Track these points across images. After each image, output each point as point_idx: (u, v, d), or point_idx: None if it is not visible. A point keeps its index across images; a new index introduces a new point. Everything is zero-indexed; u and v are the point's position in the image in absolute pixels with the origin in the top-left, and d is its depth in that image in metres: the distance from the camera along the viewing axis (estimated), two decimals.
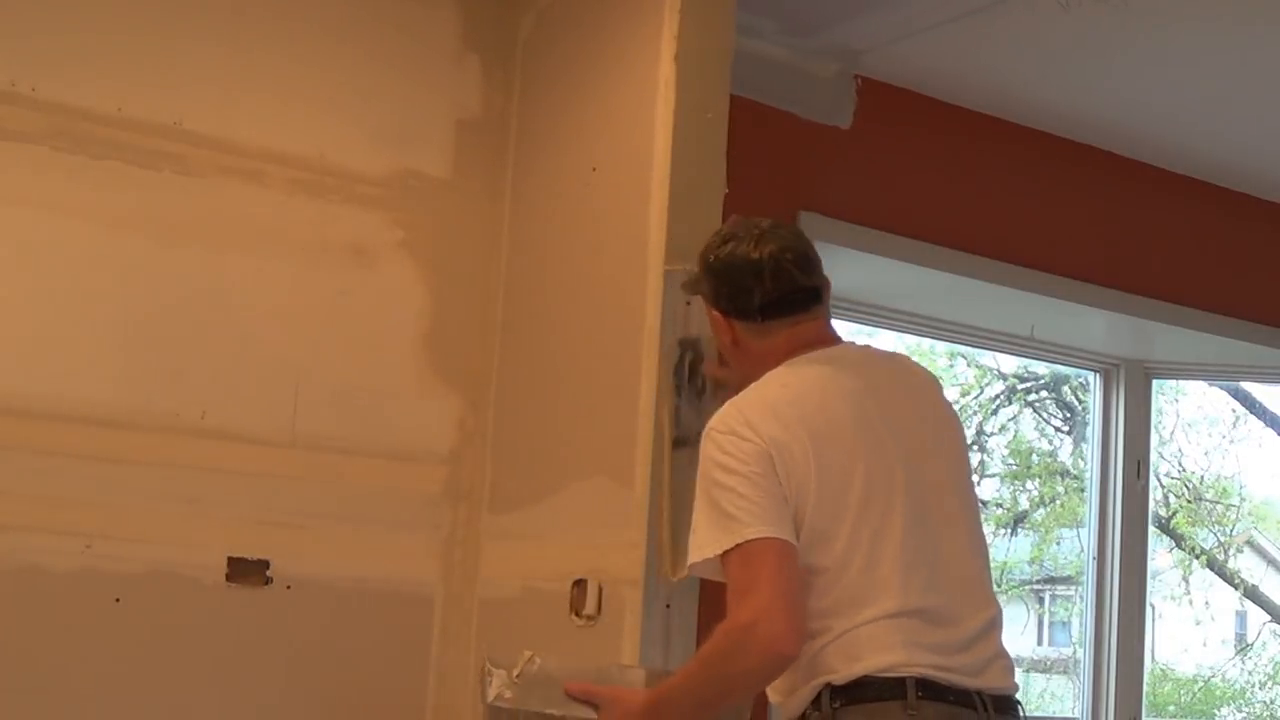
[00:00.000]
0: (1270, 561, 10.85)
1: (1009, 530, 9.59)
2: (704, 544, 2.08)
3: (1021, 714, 2.15)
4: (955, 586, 2.14)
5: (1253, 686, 10.18)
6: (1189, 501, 9.46)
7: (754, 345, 2.29)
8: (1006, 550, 9.63)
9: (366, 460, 3.22)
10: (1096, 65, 3.82)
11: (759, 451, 2.08)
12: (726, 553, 2.03)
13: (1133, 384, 4.85)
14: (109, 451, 2.96)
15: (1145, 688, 4.91)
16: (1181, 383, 8.43)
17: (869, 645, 2.04)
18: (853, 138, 3.90)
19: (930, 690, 2.02)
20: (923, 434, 2.24)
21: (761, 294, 2.27)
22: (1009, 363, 9.07)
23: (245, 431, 3.10)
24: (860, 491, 2.11)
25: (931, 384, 2.38)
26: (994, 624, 2.17)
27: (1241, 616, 10.43)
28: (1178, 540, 9.35)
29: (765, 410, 2.14)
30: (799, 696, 2.09)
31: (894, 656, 2.04)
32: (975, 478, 2.60)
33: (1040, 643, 10.86)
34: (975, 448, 9.44)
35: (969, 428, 9.34)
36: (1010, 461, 9.59)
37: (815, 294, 2.31)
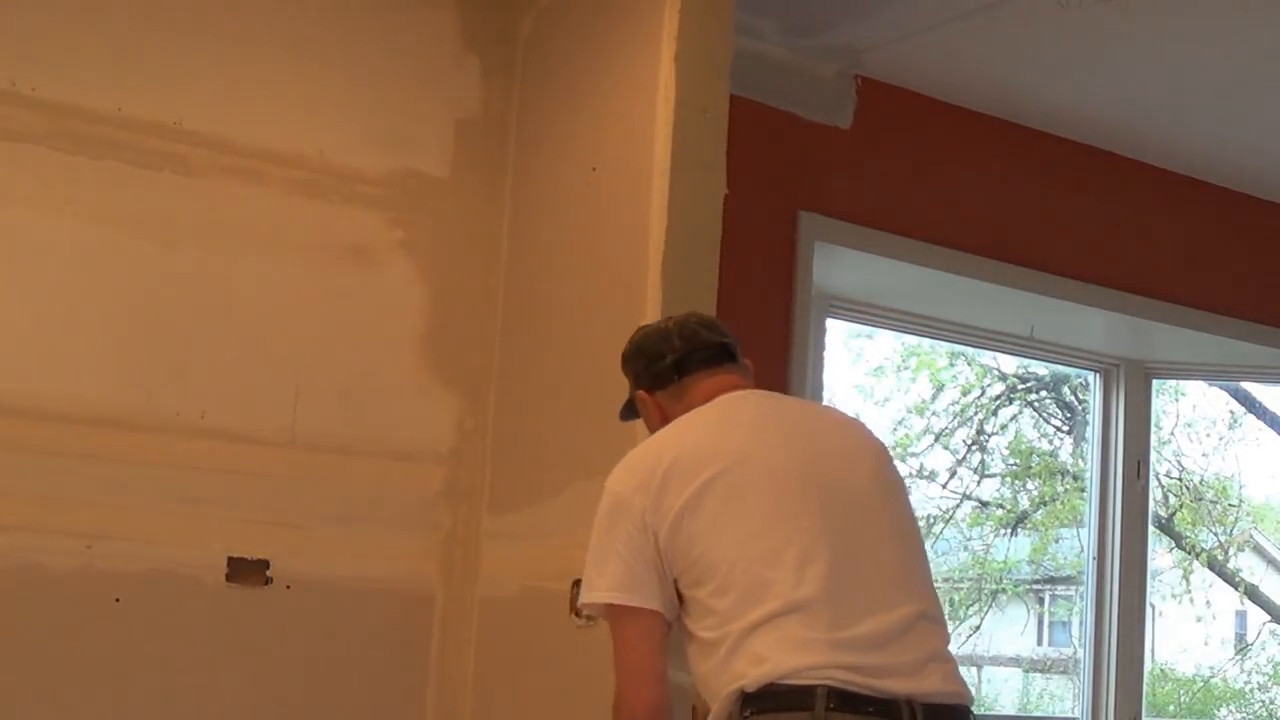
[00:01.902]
0: (1270, 561, 10.84)
1: (1009, 530, 9.59)
2: (585, 588, 2.15)
3: None
4: (868, 581, 2.04)
5: (1252, 687, 10.18)
6: (1189, 501, 9.46)
7: (676, 410, 2.29)
8: (1006, 550, 9.63)
9: (366, 460, 3.22)
10: (1096, 65, 3.82)
11: (642, 510, 2.10)
12: (606, 604, 2.10)
13: (1133, 384, 4.86)
14: (109, 451, 2.96)
15: (1145, 688, 4.91)
16: (1181, 383, 8.43)
17: (773, 646, 1.97)
18: (853, 138, 3.90)
19: (844, 700, 1.91)
20: (831, 448, 2.20)
21: (673, 353, 2.32)
22: (1009, 363, 9.08)
23: (245, 431, 3.10)
24: (757, 499, 2.09)
25: (849, 421, 2.37)
26: (923, 620, 2.05)
27: (1241, 616, 10.43)
28: (1178, 540, 9.35)
29: (651, 460, 2.15)
30: (722, 707, 2.03)
31: (799, 659, 1.95)
32: (915, 495, 2.55)
33: (1040, 643, 10.86)
34: (976, 448, 9.44)
35: (969, 428, 9.35)
36: (1010, 461, 9.59)
37: (725, 349, 2.34)
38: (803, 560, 2.01)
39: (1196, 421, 9.45)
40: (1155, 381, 4.96)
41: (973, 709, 2.07)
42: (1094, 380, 4.95)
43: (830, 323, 4.21)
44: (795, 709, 1.92)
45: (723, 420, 2.22)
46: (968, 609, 9.94)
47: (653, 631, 2.08)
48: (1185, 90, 3.95)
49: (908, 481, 9.93)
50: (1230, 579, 9.54)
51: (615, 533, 2.11)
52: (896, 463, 2.34)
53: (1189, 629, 9.45)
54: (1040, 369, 8.96)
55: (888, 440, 9.59)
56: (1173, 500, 9.35)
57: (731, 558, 2.04)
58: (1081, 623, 5.05)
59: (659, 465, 2.12)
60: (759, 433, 2.18)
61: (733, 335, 2.39)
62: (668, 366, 2.32)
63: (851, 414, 2.45)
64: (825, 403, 4.04)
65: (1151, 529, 5.00)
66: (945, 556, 10.01)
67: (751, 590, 2.01)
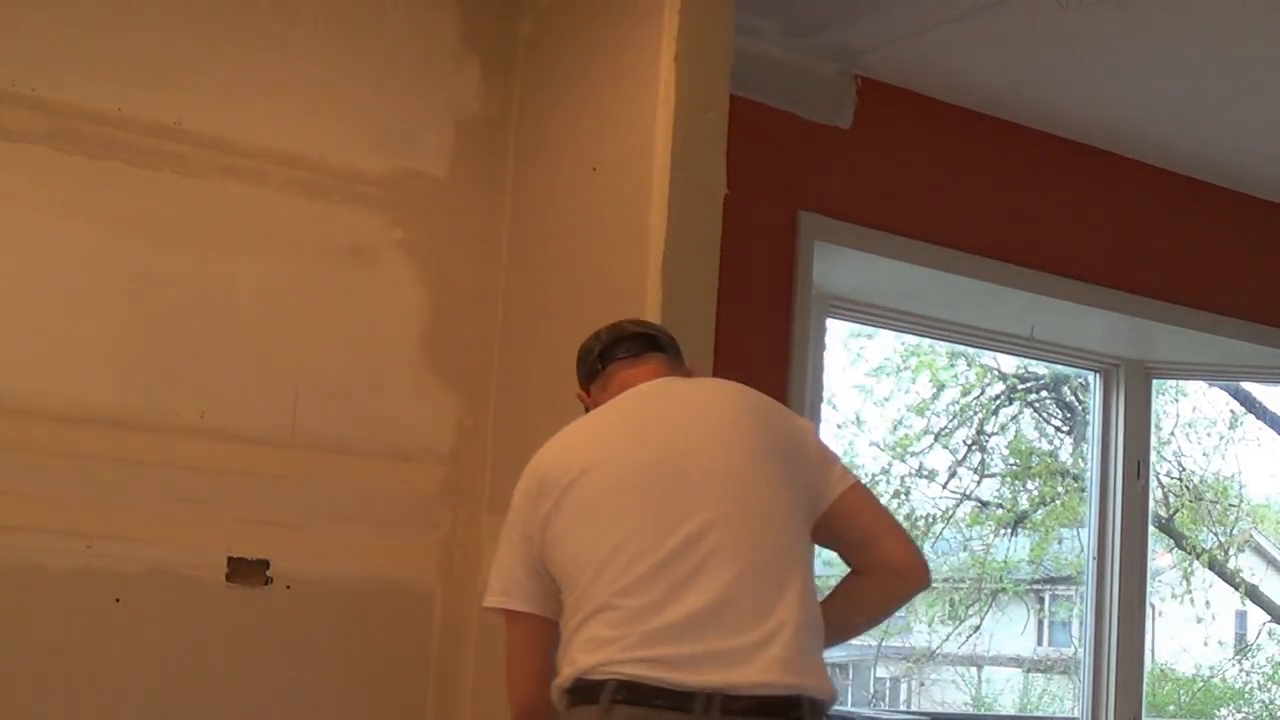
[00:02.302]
0: (1270, 561, 10.85)
1: (1009, 530, 9.60)
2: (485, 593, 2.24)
3: (793, 716, 1.93)
4: (700, 569, 1.99)
5: (1252, 687, 10.19)
6: (1189, 502, 9.46)
7: (602, 401, 2.32)
8: (1006, 550, 9.63)
9: (366, 460, 3.22)
10: (1096, 65, 3.82)
11: (524, 518, 2.17)
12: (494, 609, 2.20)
13: (1133, 384, 4.86)
14: (109, 451, 2.96)
15: (1145, 688, 4.91)
16: (1181, 383, 8.43)
17: (581, 646, 2.01)
18: (853, 138, 3.90)
19: (633, 693, 1.91)
20: (701, 431, 2.15)
21: (599, 346, 2.37)
22: (1009, 363, 9.08)
23: (245, 431, 3.10)
24: (614, 503, 2.10)
25: (736, 399, 2.25)
26: (765, 602, 1.98)
27: (1241, 616, 10.43)
28: (1178, 540, 9.35)
29: (533, 466, 2.21)
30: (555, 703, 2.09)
31: (598, 656, 1.97)
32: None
33: (1040, 643, 10.86)
34: (976, 448, 9.44)
35: (969, 428, 9.35)
36: (1010, 461, 9.59)
37: (650, 340, 2.36)
38: (633, 557, 2.01)
39: (1196, 421, 9.46)
40: (1155, 381, 4.96)
41: (820, 699, 1.97)
42: (1094, 380, 4.96)
43: (830, 323, 4.21)
44: (588, 703, 1.95)
45: (606, 417, 2.26)
46: (968, 609, 9.94)
47: (534, 634, 2.15)
48: (1185, 90, 3.95)
49: (907, 481, 9.90)
50: (1230, 579, 9.54)
51: (508, 539, 2.20)
52: (825, 438, 2.32)
53: (1189, 629, 9.46)
54: (1040, 369, 8.97)
55: (888, 440, 9.61)
56: (1173, 500, 9.35)
57: (580, 561, 2.06)
58: (1081, 623, 5.05)
59: (537, 472, 2.19)
60: (632, 428, 2.20)
61: (668, 334, 2.42)
62: (594, 358, 2.37)
63: (754, 393, 2.29)
64: (819, 392, 4.02)
65: (1151, 529, 5.00)
66: (945, 556, 10.02)
67: (584, 591, 2.04)
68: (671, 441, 2.13)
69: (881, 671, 11.42)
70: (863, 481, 2.28)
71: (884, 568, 2.20)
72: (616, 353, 2.35)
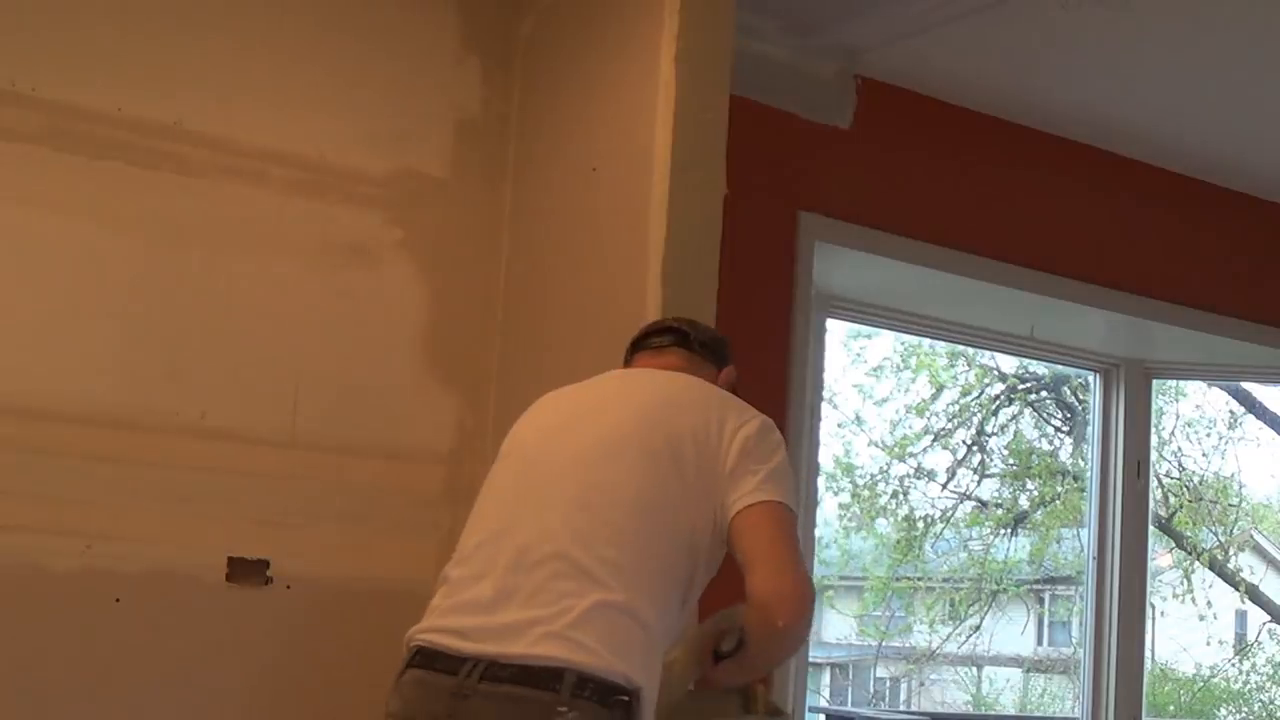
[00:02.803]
0: (1270, 561, 10.86)
1: (1009, 530, 9.60)
2: None
3: (553, 687, 1.91)
4: (518, 549, 2.04)
5: (1252, 687, 10.20)
6: (1189, 501, 9.47)
7: None
8: (1006, 550, 9.64)
9: (366, 460, 3.22)
10: (1096, 65, 3.82)
11: None
12: None
13: (1133, 384, 4.86)
14: (109, 451, 2.96)
15: (1145, 688, 4.91)
16: (1181, 383, 8.43)
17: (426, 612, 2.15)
18: (853, 138, 3.90)
19: (425, 657, 2.03)
20: (610, 420, 2.19)
21: (636, 335, 2.47)
22: (1009, 363, 9.09)
23: (245, 431, 3.10)
24: (497, 477, 2.25)
25: (688, 398, 2.24)
26: (561, 585, 1.99)
27: (1242, 616, 10.44)
28: (1178, 540, 9.36)
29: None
30: None
31: (421, 623, 2.11)
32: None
33: (1040, 643, 10.87)
34: (975, 448, 9.45)
35: (969, 428, 9.35)
36: (1010, 462, 9.60)
37: (678, 336, 2.39)
38: (473, 532, 2.16)
39: (1196, 421, 9.47)
40: (1155, 381, 4.96)
41: (593, 675, 1.92)
42: (1094, 380, 4.96)
43: (830, 323, 4.21)
44: (401, 667, 2.10)
45: (565, 392, 2.37)
46: (968, 609, 9.95)
47: None
48: (1185, 90, 3.95)
49: (907, 479, 9.85)
50: (1230, 579, 9.55)
51: None
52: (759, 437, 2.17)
53: (1189, 629, 9.47)
54: (1040, 369, 8.98)
55: (887, 440, 9.58)
56: (1173, 500, 9.36)
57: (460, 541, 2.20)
58: (1081, 623, 5.06)
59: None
60: (562, 407, 2.32)
61: (712, 336, 2.44)
62: (629, 346, 2.46)
63: (699, 386, 2.28)
64: (826, 386, 4.01)
65: (1151, 529, 5.01)
66: (945, 557, 10.03)
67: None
68: (567, 424, 2.24)
69: (881, 671, 11.43)
70: (784, 505, 2.12)
71: (749, 599, 2.06)
72: (645, 343, 2.42)
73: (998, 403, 9.39)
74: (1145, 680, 4.91)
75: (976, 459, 9.51)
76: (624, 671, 1.94)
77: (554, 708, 1.89)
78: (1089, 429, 5.05)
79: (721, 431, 2.16)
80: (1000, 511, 9.62)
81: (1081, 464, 8.45)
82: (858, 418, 9.40)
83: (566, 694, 1.90)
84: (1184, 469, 9.50)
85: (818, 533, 4.52)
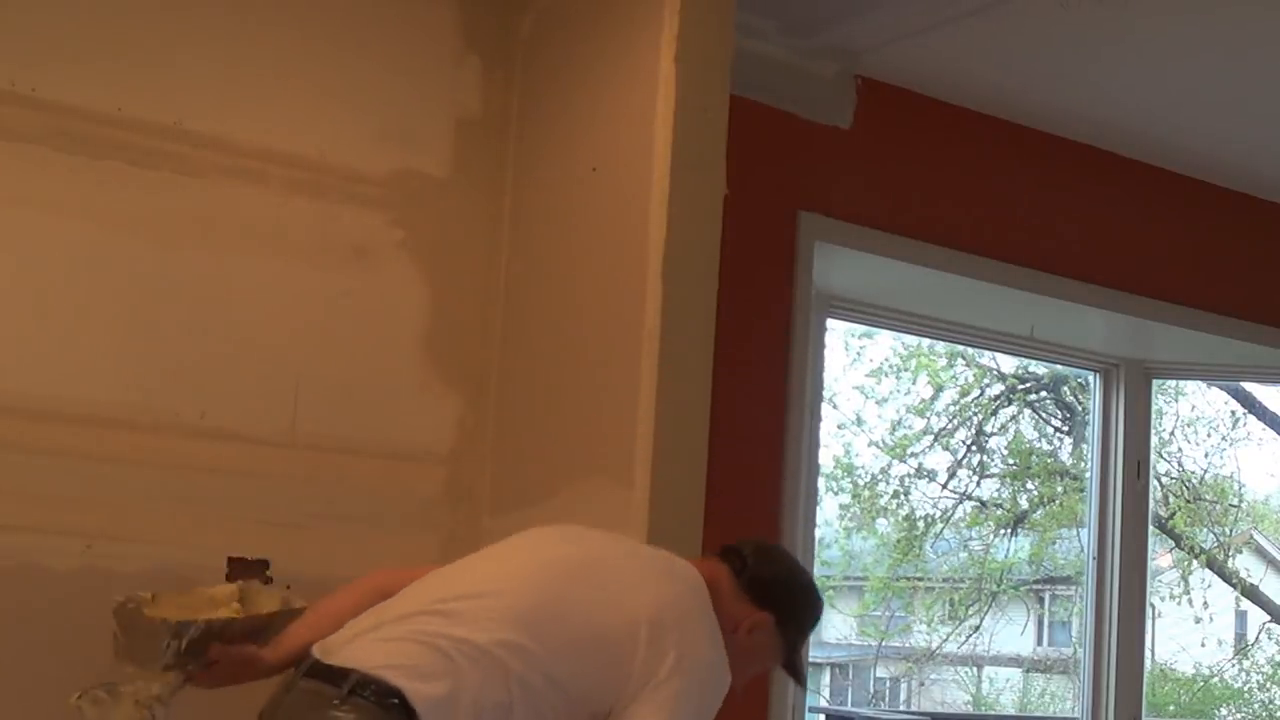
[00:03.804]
0: (1270, 561, 10.86)
1: (1009, 530, 9.61)
2: None
3: (347, 689, 2.14)
4: (407, 606, 2.31)
5: (1252, 687, 10.20)
6: (1189, 501, 9.47)
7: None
8: (1006, 550, 9.64)
9: (366, 460, 3.22)
10: (1096, 65, 3.82)
11: None
12: None
13: (1132, 384, 4.86)
14: (109, 451, 2.96)
15: (1145, 688, 4.91)
16: (1181, 383, 8.43)
17: None
18: (853, 138, 3.90)
19: (301, 664, 2.28)
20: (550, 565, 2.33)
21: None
22: (1008, 363, 9.09)
23: (245, 431, 3.10)
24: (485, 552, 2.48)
25: (643, 560, 2.40)
26: (407, 632, 2.22)
27: (1241, 616, 10.44)
28: (1177, 540, 9.36)
29: None
30: None
31: None
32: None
33: (1040, 643, 10.87)
34: (975, 448, 9.45)
35: (969, 428, 9.36)
36: (1010, 462, 9.60)
37: (734, 552, 2.45)
38: (425, 589, 2.39)
39: (1196, 422, 9.47)
40: (1155, 381, 4.96)
41: (375, 678, 2.13)
42: (1094, 380, 4.96)
43: (830, 323, 4.21)
44: None
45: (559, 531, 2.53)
46: (968, 609, 9.96)
47: None
48: (1185, 90, 3.95)
49: (907, 479, 9.83)
50: (1230, 579, 9.55)
51: None
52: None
53: (1189, 629, 9.46)
54: (1040, 369, 8.98)
55: (888, 440, 9.57)
56: (1173, 500, 9.36)
57: None
58: (1081, 623, 5.06)
59: None
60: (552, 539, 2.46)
61: (778, 578, 2.47)
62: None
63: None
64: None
65: (1151, 529, 5.01)
66: (945, 557, 10.03)
67: None
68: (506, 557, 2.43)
69: (881, 671, 11.44)
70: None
71: None
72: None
73: (997, 403, 9.40)
74: (1145, 680, 4.90)
75: (976, 459, 9.52)
76: (411, 686, 2.12)
77: (332, 700, 2.14)
78: (1088, 429, 5.05)
79: (659, 641, 2.20)
80: (1000, 512, 9.62)
81: (1081, 464, 8.45)
82: (858, 418, 9.40)
83: (345, 690, 2.14)
84: (1184, 469, 9.50)
85: (818, 533, 4.52)
